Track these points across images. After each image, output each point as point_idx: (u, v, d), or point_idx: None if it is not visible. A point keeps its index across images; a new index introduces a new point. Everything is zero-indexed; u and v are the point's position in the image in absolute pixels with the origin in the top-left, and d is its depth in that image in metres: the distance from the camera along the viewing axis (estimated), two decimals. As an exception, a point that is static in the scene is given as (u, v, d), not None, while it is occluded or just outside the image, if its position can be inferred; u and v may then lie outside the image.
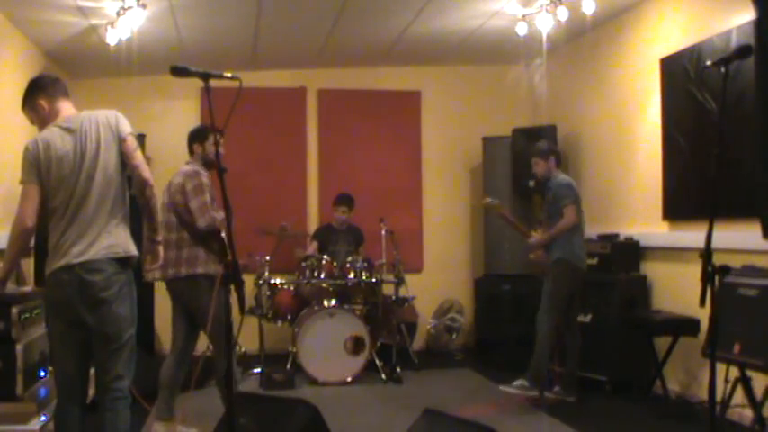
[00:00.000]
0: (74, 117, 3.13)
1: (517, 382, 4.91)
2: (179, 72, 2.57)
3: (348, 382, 5.67)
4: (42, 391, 4.00)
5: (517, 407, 4.95)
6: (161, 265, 4.15)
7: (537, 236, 5.15)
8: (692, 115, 4.93)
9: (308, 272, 6.02)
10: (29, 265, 5.26)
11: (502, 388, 4.96)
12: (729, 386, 3.56)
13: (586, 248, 5.22)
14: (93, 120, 3.10)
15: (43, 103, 3.15)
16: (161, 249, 3.29)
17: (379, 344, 6.13)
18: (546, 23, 5.54)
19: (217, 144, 2.82)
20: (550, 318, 4.93)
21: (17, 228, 3.03)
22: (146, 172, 3.14)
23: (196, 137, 4.36)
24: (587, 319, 5.43)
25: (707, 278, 2.76)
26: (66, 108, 3.17)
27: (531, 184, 6.50)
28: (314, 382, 5.66)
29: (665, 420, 4.55)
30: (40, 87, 3.17)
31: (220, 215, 4.20)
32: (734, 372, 3.58)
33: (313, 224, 7.22)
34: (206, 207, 4.09)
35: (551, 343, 4.95)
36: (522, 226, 5.35)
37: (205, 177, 4.21)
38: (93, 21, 5.33)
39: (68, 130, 3.07)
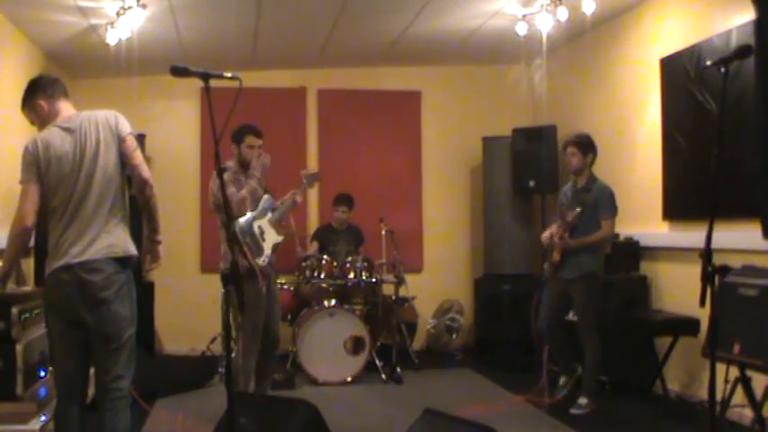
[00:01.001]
0: (73, 117, 3.13)
1: (583, 402, 4.75)
2: (179, 72, 2.58)
3: (348, 382, 5.67)
4: (42, 391, 4.00)
5: (517, 407, 4.95)
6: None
7: (567, 238, 4.81)
8: (692, 115, 4.93)
9: (308, 272, 6.02)
10: (29, 265, 5.26)
11: (573, 411, 4.71)
12: (729, 386, 3.55)
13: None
14: (93, 120, 3.10)
15: (43, 103, 3.15)
16: (161, 249, 3.28)
17: (379, 344, 6.13)
18: (546, 23, 5.54)
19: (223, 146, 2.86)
20: (595, 333, 4.80)
21: (16, 227, 3.03)
22: (145, 172, 3.13)
23: (233, 138, 4.47)
24: (587, 319, 5.42)
25: (707, 278, 2.75)
26: (65, 108, 3.18)
27: (532, 184, 6.51)
28: (314, 382, 5.66)
29: (665, 420, 4.55)
30: (39, 88, 3.17)
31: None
32: (734, 372, 3.58)
33: (313, 224, 7.22)
34: (218, 207, 4.32)
35: (600, 356, 4.81)
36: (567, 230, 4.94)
37: (224, 175, 4.34)
38: (93, 21, 5.34)
39: (68, 130, 3.07)
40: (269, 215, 4.54)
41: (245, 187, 4.39)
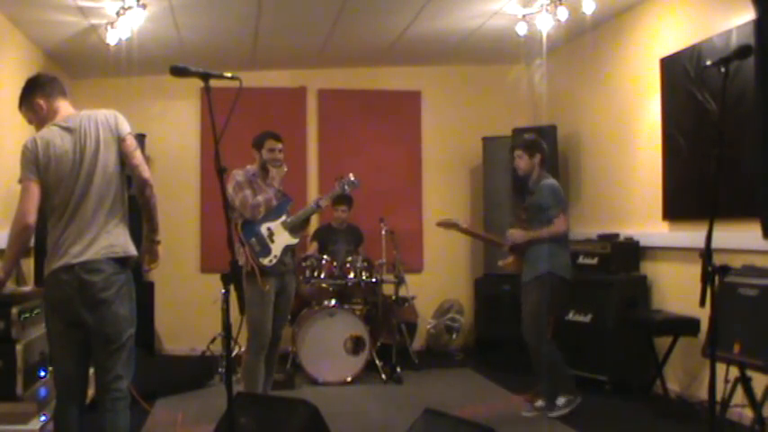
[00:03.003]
0: (73, 116, 3.12)
1: (550, 403, 4.63)
2: (179, 72, 2.58)
3: (348, 382, 5.67)
4: (42, 391, 4.00)
5: (517, 407, 4.95)
6: None
7: (516, 232, 4.72)
8: (692, 115, 4.93)
9: (307, 272, 6.02)
10: (29, 265, 5.26)
11: (550, 415, 4.59)
12: (729, 386, 3.56)
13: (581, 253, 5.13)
14: (93, 119, 3.09)
15: (41, 102, 3.14)
16: (160, 249, 3.28)
17: (379, 344, 6.13)
18: (546, 23, 5.54)
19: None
20: (542, 342, 4.63)
21: (18, 225, 3.00)
22: (145, 172, 3.13)
23: (254, 144, 4.67)
24: (587, 319, 5.43)
25: (707, 278, 2.76)
26: (64, 107, 3.17)
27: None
28: (314, 382, 5.66)
29: (665, 420, 4.55)
30: (37, 86, 3.16)
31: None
32: (734, 372, 3.58)
33: (312, 224, 7.20)
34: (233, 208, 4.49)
35: (550, 365, 4.62)
36: (493, 236, 5.00)
37: (239, 176, 4.52)
38: (93, 21, 5.34)
39: (68, 129, 3.06)
40: (282, 218, 4.61)
41: (262, 194, 4.49)
